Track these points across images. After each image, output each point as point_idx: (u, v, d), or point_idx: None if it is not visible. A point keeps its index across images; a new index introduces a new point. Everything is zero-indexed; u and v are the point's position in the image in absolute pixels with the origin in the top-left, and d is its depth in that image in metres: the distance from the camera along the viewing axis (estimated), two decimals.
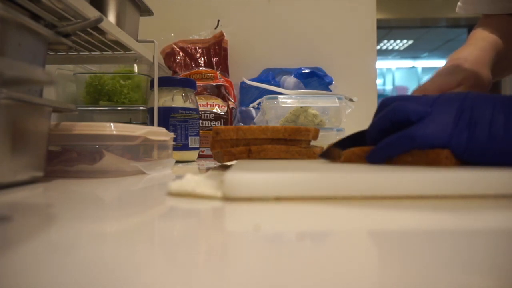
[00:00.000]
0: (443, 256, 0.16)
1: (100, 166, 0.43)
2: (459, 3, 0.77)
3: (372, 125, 0.40)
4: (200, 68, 1.05)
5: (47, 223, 0.23)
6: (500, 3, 0.73)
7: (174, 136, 0.67)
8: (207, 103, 0.95)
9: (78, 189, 0.37)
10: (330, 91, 1.05)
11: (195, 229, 0.22)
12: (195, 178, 0.32)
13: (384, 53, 6.32)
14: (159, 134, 0.53)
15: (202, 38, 1.11)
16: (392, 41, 5.71)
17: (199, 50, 1.09)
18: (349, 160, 0.39)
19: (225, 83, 1.01)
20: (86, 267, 0.14)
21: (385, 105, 0.40)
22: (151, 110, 0.73)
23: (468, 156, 0.33)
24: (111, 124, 0.44)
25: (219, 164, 0.61)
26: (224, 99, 0.99)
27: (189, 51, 1.08)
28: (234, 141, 0.51)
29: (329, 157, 0.43)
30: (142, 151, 0.49)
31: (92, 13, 0.51)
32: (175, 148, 0.70)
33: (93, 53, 0.69)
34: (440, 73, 0.65)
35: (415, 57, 6.74)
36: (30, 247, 0.17)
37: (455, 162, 0.33)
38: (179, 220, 0.24)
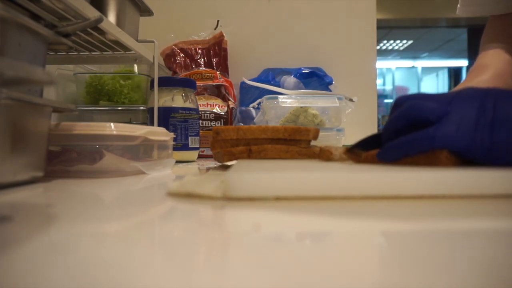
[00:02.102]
0: (443, 256, 0.16)
1: (100, 166, 0.43)
2: (459, 5, 0.76)
3: (387, 124, 0.38)
4: (200, 69, 1.05)
5: (47, 223, 0.23)
6: (502, 2, 0.71)
7: (174, 136, 0.67)
8: (207, 103, 0.95)
9: (78, 189, 0.37)
10: (330, 91, 1.05)
11: (195, 229, 0.22)
12: (194, 178, 0.32)
13: (384, 53, 6.33)
14: (159, 134, 0.53)
15: (202, 38, 1.11)
16: (392, 41, 5.72)
17: (199, 51, 1.09)
18: (367, 161, 0.39)
19: (225, 83, 1.01)
20: (86, 267, 0.14)
21: (399, 104, 0.37)
22: (151, 110, 0.73)
23: (490, 159, 0.31)
24: (111, 124, 0.44)
25: (219, 164, 0.61)
26: (224, 99, 0.99)
27: (189, 52, 1.08)
28: (234, 141, 0.51)
29: (353, 154, 0.42)
30: (142, 151, 0.49)
31: (92, 13, 0.51)
32: (175, 148, 0.70)
33: (93, 53, 0.69)
34: None
35: (415, 57, 6.75)
36: (30, 247, 0.17)
37: (455, 162, 0.33)
38: (179, 220, 0.24)
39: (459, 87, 0.65)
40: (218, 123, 0.95)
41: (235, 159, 0.50)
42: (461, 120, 0.32)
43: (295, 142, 0.51)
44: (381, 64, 6.87)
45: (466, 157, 0.32)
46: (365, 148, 0.40)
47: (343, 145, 0.78)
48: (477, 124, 0.32)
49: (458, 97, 0.34)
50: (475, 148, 0.31)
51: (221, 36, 1.10)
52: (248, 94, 1.06)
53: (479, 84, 0.63)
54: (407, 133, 0.34)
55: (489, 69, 0.66)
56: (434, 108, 0.33)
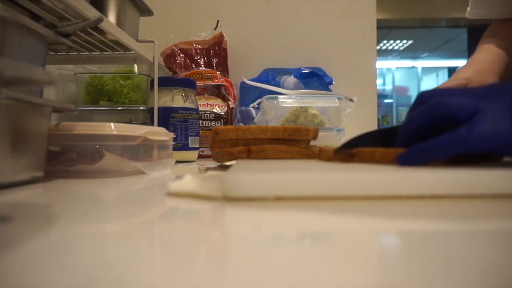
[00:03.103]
0: (443, 256, 0.16)
1: (100, 166, 0.43)
2: (468, 8, 0.77)
3: (408, 122, 0.35)
4: (200, 69, 1.05)
5: (47, 223, 0.23)
6: (509, 6, 0.71)
7: (174, 136, 0.67)
8: (207, 103, 0.95)
9: (78, 189, 0.37)
10: (330, 91, 1.05)
11: (195, 229, 0.22)
12: (194, 178, 0.32)
13: (384, 53, 6.33)
14: (159, 134, 0.53)
15: (202, 39, 1.11)
16: (392, 41, 5.72)
17: (199, 51, 1.09)
18: (383, 161, 0.36)
19: (225, 83, 1.01)
20: (86, 267, 0.14)
21: (424, 99, 0.35)
22: (151, 110, 0.73)
23: None
24: (111, 124, 0.44)
25: (219, 164, 0.61)
26: (224, 99, 0.99)
27: (189, 52, 1.08)
28: (234, 141, 0.51)
29: (343, 154, 0.40)
30: (142, 151, 0.49)
31: (92, 13, 0.51)
32: (175, 148, 0.70)
33: (93, 53, 0.69)
34: None
35: (415, 57, 6.75)
36: (30, 247, 0.17)
37: (444, 162, 0.33)
38: (179, 220, 0.24)
39: (445, 84, 0.67)
40: (218, 123, 0.95)
41: (235, 159, 0.50)
42: (495, 117, 0.30)
43: (295, 142, 0.51)
44: (381, 64, 6.87)
45: (504, 155, 0.31)
46: (357, 146, 0.39)
47: None
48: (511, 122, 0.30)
49: (488, 93, 0.32)
50: None
51: (221, 36, 1.10)
52: (248, 94, 1.06)
53: (459, 80, 0.66)
54: (430, 133, 0.32)
55: (472, 67, 0.68)
56: (463, 105, 0.31)
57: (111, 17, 0.62)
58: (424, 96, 0.35)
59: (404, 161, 0.33)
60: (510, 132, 0.29)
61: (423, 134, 0.33)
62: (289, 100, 0.83)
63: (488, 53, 0.70)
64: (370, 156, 0.37)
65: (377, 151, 0.36)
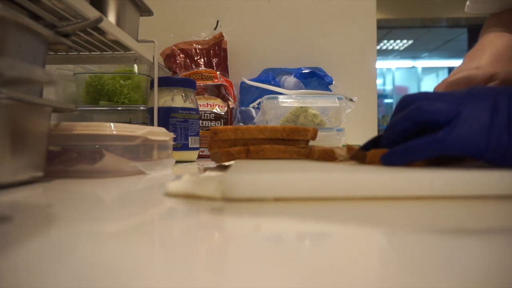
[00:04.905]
0: (442, 257, 0.16)
1: (100, 166, 0.43)
2: (468, 2, 0.75)
3: (391, 126, 0.36)
4: (200, 69, 1.05)
5: (47, 223, 0.23)
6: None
7: (174, 136, 0.67)
8: (207, 103, 0.95)
9: (78, 189, 0.37)
10: (330, 91, 1.05)
11: (195, 229, 0.22)
12: (193, 179, 0.32)
13: (384, 53, 6.33)
14: (159, 134, 0.53)
15: (202, 39, 1.11)
16: (392, 41, 5.72)
17: (199, 51, 1.10)
18: (373, 162, 0.37)
19: (225, 83, 1.01)
20: (86, 267, 0.14)
21: (406, 103, 0.35)
22: (151, 110, 0.73)
23: (508, 163, 0.30)
24: (111, 124, 0.44)
25: (218, 164, 0.61)
26: (224, 99, 0.99)
27: (189, 52, 1.09)
28: (232, 141, 0.51)
29: (358, 159, 0.41)
30: (142, 151, 0.49)
31: (92, 13, 0.51)
32: (175, 148, 0.70)
33: (93, 53, 0.69)
34: (452, 84, 0.59)
35: (415, 57, 6.75)
36: (30, 247, 0.17)
37: (427, 163, 0.33)
38: (179, 221, 0.24)
39: (456, 70, 0.63)
40: (218, 123, 0.95)
41: (233, 159, 0.50)
42: (473, 122, 0.30)
43: (294, 142, 0.51)
44: (381, 64, 6.87)
45: (480, 160, 0.31)
46: (367, 149, 0.40)
47: (343, 145, 0.77)
48: (491, 125, 0.30)
49: (469, 97, 0.32)
50: (490, 151, 0.30)
51: (221, 36, 1.11)
52: (248, 94, 1.06)
53: (477, 69, 0.60)
54: (414, 136, 0.33)
55: (487, 51, 0.63)
56: (443, 110, 0.32)
57: (111, 17, 0.62)
58: (406, 100, 0.36)
59: (387, 161, 0.35)
60: (488, 134, 0.30)
61: (407, 137, 0.34)
62: (289, 100, 0.83)
63: (499, 36, 0.65)
64: (362, 159, 0.38)
65: (367, 154, 0.37)
